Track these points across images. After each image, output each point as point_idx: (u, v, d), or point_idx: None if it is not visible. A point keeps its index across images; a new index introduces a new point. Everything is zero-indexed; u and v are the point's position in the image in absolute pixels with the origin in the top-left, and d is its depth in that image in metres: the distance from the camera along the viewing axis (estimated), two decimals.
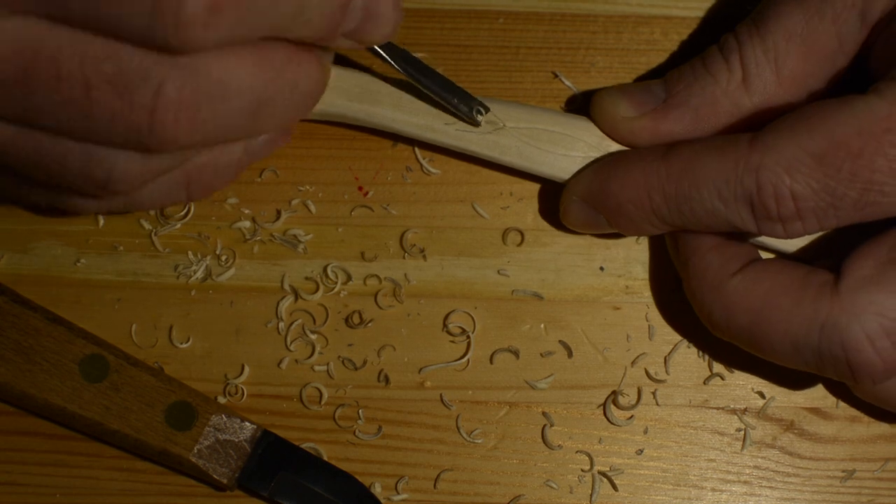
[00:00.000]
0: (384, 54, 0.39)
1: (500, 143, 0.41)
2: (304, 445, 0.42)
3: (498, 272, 0.44)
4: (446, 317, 0.43)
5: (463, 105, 0.40)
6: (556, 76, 0.45)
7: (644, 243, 0.44)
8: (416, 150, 0.44)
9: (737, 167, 0.37)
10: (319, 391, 0.43)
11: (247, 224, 0.44)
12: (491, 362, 0.43)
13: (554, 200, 0.44)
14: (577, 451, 0.42)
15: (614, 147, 0.42)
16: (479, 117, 0.41)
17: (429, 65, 0.40)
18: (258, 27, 0.32)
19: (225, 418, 0.41)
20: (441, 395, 0.43)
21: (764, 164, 0.37)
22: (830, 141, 0.36)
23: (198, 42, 0.30)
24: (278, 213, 0.44)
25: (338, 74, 0.41)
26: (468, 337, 0.43)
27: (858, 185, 0.36)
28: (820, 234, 0.40)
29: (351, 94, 0.41)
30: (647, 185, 0.39)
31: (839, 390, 0.42)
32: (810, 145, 0.36)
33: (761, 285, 0.38)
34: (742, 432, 0.42)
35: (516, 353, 0.43)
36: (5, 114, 0.32)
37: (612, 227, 0.41)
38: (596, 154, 0.41)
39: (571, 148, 0.42)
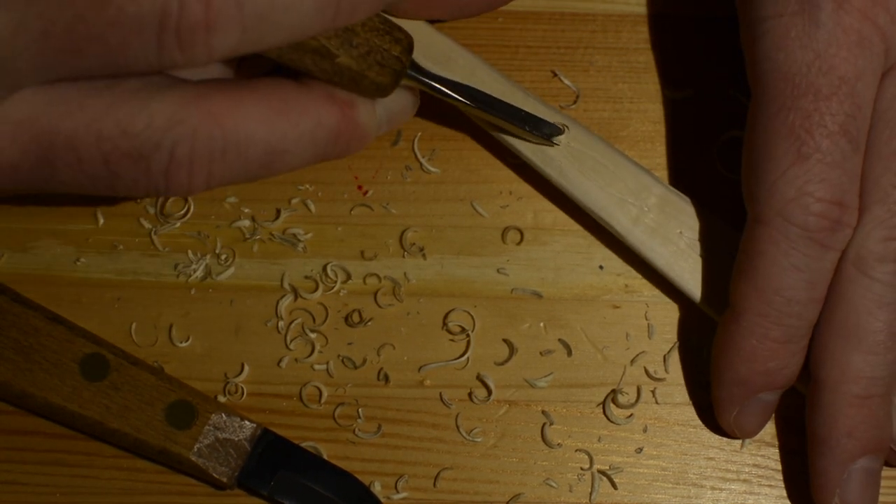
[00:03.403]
0: (447, 91, 0.39)
1: (546, 153, 0.42)
2: (303, 444, 0.42)
3: (497, 271, 0.44)
4: (446, 315, 0.43)
5: (536, 131, 0.40)
6: (556, 75, 0.45)
7: None
8: (416, 149, 0.44)
9: (777, 242, 0.38)
10: (319, 390, 0.43)
11: (246, 223, 0.44)
12: (490, 361, 0.43)
13: (553, 200, 0.44)
14: (576, 450, 0.42)
15: (652, 200, 0.42)
16: (557, 138, 0.41)
17: (494, 83, 0.40)
18: (281, 34, 0.32)
19: (225, 417, 0.41)
20: (441, 394, 0.43)
21: (786, 214, 0.37)
22: (785, 136, 0.38)
23: (205, 56, 0.31)
24: (278, 211, 0.44)
25: (424, 31, 0.41)
26: (468, 335, 0.43)
27: (837, 134, 0.37)
28: None
29: (428, 56, 0.41)
30: (756, 337, 0.39)
31: None
32: (784, 159, 0.38)
33: None
34: None
35: (515, 352, 0.43)
36: (30, 189, 0.34)
37: (782, 389, 0.41)
38: (632, 199, 0.41)
39: (610, 184, 0.42)
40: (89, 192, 0.34)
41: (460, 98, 0.39)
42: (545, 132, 0.41)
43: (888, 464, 0.41)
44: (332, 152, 0.36)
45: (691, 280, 0.42)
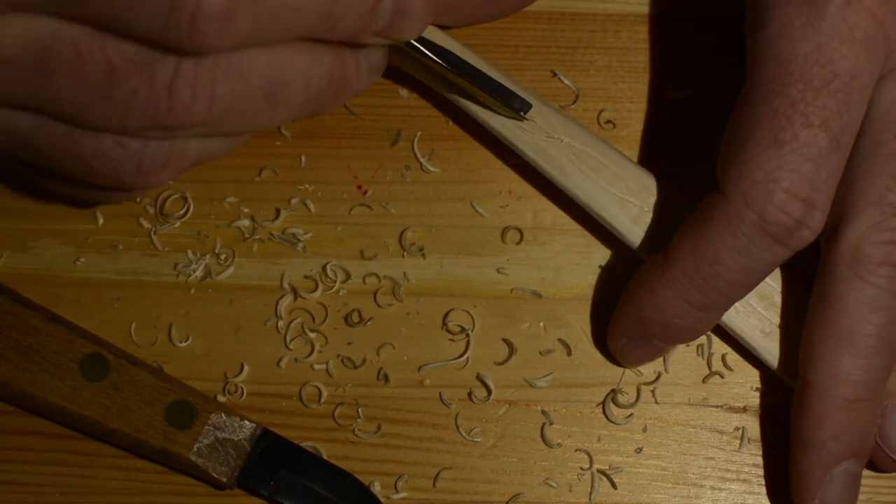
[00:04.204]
0: (421, 48, 0.38)
1: (548, 152, 0.42)
2: (303, 444, 0.42)
3: (497, 270, 0.44)
4: (445, 315, 0.43)
5: (507, 103, 0.40)
6: (555, 75, 0.45)
7: None
8: (416, 148, 0.44)
9: (730, 218, 0.37)
10: (319, 390, 0.43)
11: (246, 223, 0.44)
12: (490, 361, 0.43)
13: (553, 199, 0.44)
14: (576, 450, 0.42)
15: (653, 199, 0.42)
16: (526, 115, 0.41)
17: (467, 58, 0.39)
18: (281, 33, 0.32)
19: (224, 417, 0.41)
20: (440, 394, 0.43)
21: (747, 194, 0.37)
22: (766, 121, 0.37)
23: (213, 47, 0.31)
24: (277, 211, 0.44)
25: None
26: (467, 335, 0.43)
27: (818, 129, 0.36)
28: None
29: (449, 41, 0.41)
30: (675, 292, 0.39)
31: None
32: (760, 142, 0.37)
33: None
34: (741, 430, 0.42)
35: (515, 352, 0.43)
36: (25, 102, 0.33)
37: (674, 345, 0.41)
38: (632, 199, 0.41)
39: (611, 184, 0.42)
40: (83, 112, 0.32)
41: (434, 57, 0.39)
42: (515, 106, 0.40)
43: (875, 468, 0.41)
44: (325, 96, 0.36)
45: None
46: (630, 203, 0.42)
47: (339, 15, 0.33)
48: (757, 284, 0.39)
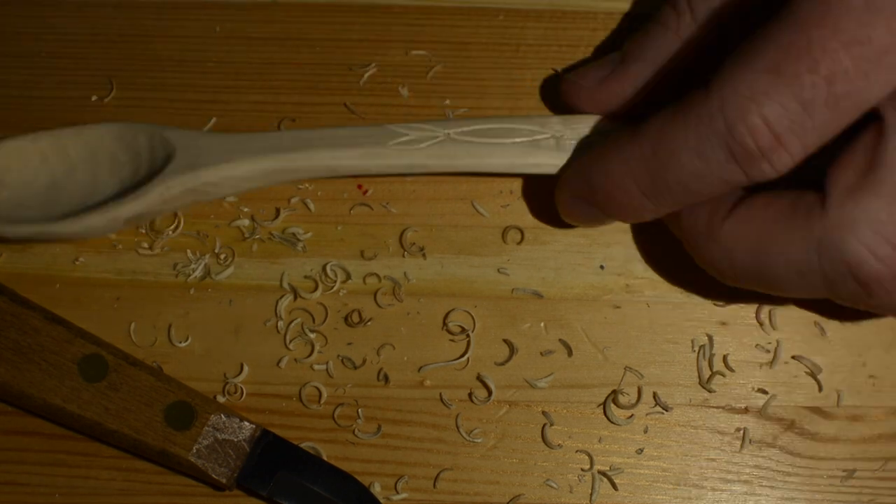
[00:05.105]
0: None
1: (448, 152, 0.41)
2: (303, 445, 0.42)
3: (498, 271, 0.43)
4: (446, 315, 0.43)
5: None
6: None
7: (644, 242, 0.44)
8: None
9: (700, 118, 0.36)
10: (319, 390, 0.43)
11: (246, 222, 0.44)
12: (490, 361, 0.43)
13: (553, 198, 0.43)
14: (576, 451, 0.42)
15: (555, 121, 0.42)
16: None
17: None
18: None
19: (224, 418, 0.41)
20: (441, 394, 0.42)
21: (725, 102, 0.36)
22: (779, 49, 0.35)
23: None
24: (277, 211, 0.44)
25: (271, 136, 0.42)
26: (468, 336, 0.43)
27: (822, 79, 0.35)
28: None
29: (282, 147, 0.41)
30: (627, 168, 0.38)
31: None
32: (762, 63, 0.35)
33: (753, 222, 0.38)
34: (742, 431, 0.42)
35: (516, 352, 0.43)
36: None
37: (610, 218, 0.41)
38: (542, 133, 0.42)
39: (516, 135, 0.42)
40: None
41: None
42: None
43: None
44: None
45: None
46: (541, 138, 0.42)
47: None
48: (707, 197, 0.38)
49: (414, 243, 0.44)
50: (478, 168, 0.42)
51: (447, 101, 0.45)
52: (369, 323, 0.43)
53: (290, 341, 0.43)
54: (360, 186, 0.44)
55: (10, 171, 0.42)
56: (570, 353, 0.43)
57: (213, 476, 0.40)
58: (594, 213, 0.41)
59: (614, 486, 0.42)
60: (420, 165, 0.42)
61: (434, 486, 0.42)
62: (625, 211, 0.40)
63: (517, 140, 0.42)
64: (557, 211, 0.42)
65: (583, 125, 0.42)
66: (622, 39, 0.45)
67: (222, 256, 0.44)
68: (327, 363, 0.43)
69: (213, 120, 0.45)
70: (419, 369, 0.43)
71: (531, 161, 0.42)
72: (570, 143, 0.42)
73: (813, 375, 0.43)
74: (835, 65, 0.35)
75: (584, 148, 0.41)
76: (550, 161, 0.42)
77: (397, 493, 0.42)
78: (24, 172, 0.42)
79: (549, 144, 0.42)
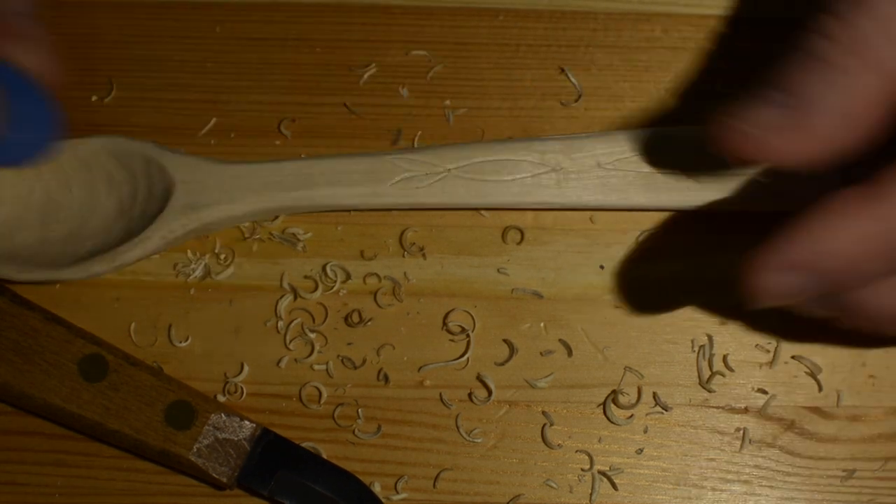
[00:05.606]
0: None
1: (446, 189, 0.42)
2: (303, 444, 0.42)
3: (498, 271, 0.43)
4: (446, 315, 0.43)
5: None
6: (563, 71, 0.45)
7: (644, 241, 0.44)
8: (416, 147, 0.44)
9: None
10: (319, 390, 0.43)
11: (246, 222, 0.44)
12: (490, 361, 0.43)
13: None
14: (576, 451, 0.42)
15: (556, 148, 0.42)
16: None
17: None
18: None
19: (224, 417, 0.41)
20: (441, 394, 0.42)
21: None
22: None
23: None
24: None
25: (270, 168, 0.42)
26: (468, 336, 0.43)
27: None
28: None
29: (283, 185, 0.42)
30: (879, 230, 0.32)
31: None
32: None
33: None
34: (742, 431, 0.42)
35: (515, 352, 0.43)
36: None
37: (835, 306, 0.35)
38: (543, 170, 0.42)
39: (517, 170, 0.42)
40: None
41: None
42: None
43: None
44: None
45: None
46: (542, 172, 0.42)
47: None
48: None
49: (414, 243, 0.44)
50: (479, 206, 0.43)
51: (447, 102, 0.45)
52: (369, 323, 0.43)
53: (290, 341, 0.43)
54: None
55: (4, 187, 0.42)
56: (569, 353, 0.43)
57: (214, 475, 0.40)
58: (806, 290, 0.34)
59: (614, 486, 0.42)
60: (421, 203, 0.42)
61: (434, 486, 0.42)
62: (868, 300, 0.34)
63: (518, 177, 0.42)
64: (742, 293, 0.35)
65: (582, 154, 0.42)
66: (622, 39, 0.45)
67: (222, 256, 0.44)
68: (327, 363, 0.43)
69: (214, 120, 0.45)
70: (419, 369, 0.43)
71: (531, 200, 0.42)
72: (572, 177, 0.42)
73: (813, 375, 0.43)
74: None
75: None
76: (551, 200, 0.42)
77: (397, 493, 0.42)
78: (18, 187, 0.42)
79: (549, 182, 0.42)
